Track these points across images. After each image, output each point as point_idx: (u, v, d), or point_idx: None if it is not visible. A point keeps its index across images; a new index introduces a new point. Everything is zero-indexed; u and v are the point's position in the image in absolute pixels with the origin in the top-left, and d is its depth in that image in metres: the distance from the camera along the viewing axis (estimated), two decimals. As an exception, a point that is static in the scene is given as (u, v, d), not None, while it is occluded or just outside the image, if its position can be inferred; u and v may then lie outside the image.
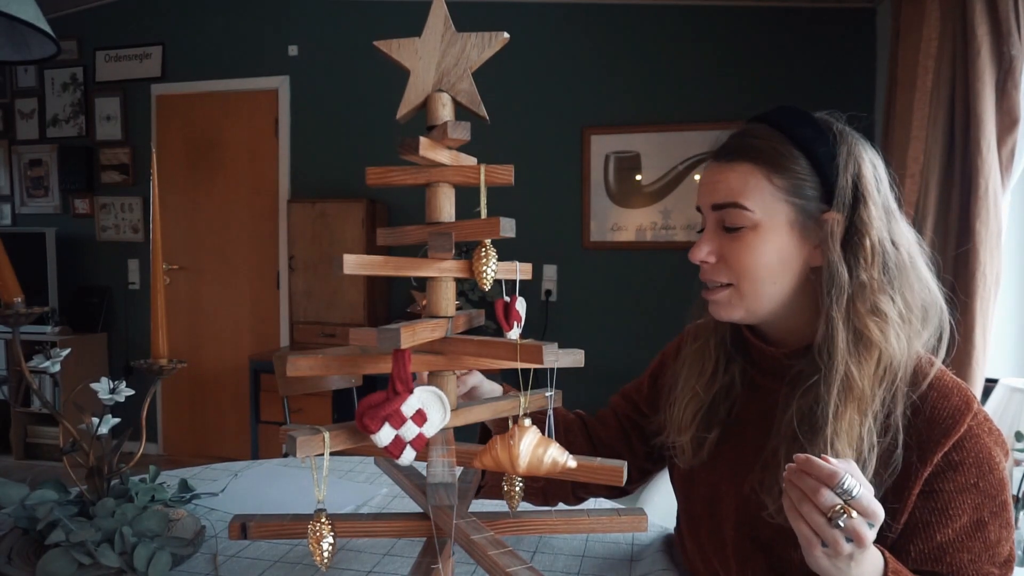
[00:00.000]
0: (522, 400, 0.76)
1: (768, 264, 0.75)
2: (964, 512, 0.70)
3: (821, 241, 0.74)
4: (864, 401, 0.70)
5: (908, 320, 0.73)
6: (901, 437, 0.70)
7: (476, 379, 0.93)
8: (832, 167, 0.74)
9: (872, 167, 0.76)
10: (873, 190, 0.74)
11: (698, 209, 0.82)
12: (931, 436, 0.70)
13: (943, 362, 0.76)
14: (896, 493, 0.71)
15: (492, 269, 0.73)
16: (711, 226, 0.79)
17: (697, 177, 3.23)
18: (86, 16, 4.04)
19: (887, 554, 0.66)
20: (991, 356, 1.89)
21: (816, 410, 0.72)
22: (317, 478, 0.70)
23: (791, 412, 0.74)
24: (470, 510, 0.81)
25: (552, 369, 0.69)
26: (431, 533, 0.72)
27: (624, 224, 3.36)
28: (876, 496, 0.66)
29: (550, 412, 0.77)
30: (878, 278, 0.72)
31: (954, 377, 0.74)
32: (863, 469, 0.69)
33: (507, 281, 0.78)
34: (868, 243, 0.72)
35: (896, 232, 0.75)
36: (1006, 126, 1.82)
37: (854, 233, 0.73)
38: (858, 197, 0.73)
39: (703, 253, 0.78)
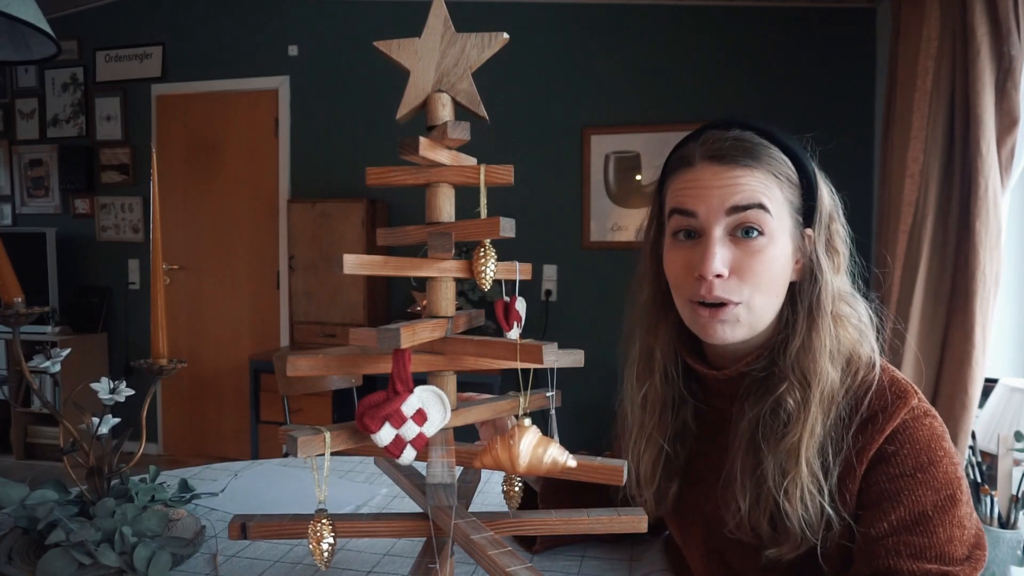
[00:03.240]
0: (522, 400, 0.77)
1: (777, 276, 0.72)
2: (901, 503, 0.66)
3: (802, 255, 0.75)
4: (833, 402, 0.70)
5: (871, 321, 0.75)
6: (852, 429, 0.70)
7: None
8: (816, 184, 0.74)
9: (827, 184, 0.77)
10: (837, 208, 0.76)
11: (682, 212, 0.74)
12: (865, 433, 0.69)
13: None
14: (840, 495, 0.70)
15: (492, 269, 0.73)
16: (719, 235, 0.71)
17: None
18: (86, 16, 4.04)
19: None
20: (991, 356, 1.89)
21: (780, 417, 0.70)
22: (318, 478, 0.70)
23: (746, 424, 0.73)
24: (470, 510, 0.81)
25: (552, 369, 0.69)
26: (431, 533, 0.72)
27: (624, 224, 3.36)
28: (828, 489, 0.67)
29: (551, 412, 0.77)
30: (846, 285, 0.75)
31: (895, 376, 0.72)
32: (825, 465, 0.69)
33: (507, 281, 0.78)
34: (840, 257, 0.75)
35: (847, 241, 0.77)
36: (1006, 126, 1.82)
37: (831, 250, 0.75)
38: (831, 216, 0.75)
39: (719, 264, 0.70)
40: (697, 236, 0.73)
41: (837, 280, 0.74)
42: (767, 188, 0.71)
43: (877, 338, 0.75)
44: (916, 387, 0.72)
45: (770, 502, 0.70)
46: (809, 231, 0.74)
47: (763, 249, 0.71)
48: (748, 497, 0.71)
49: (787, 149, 0.73)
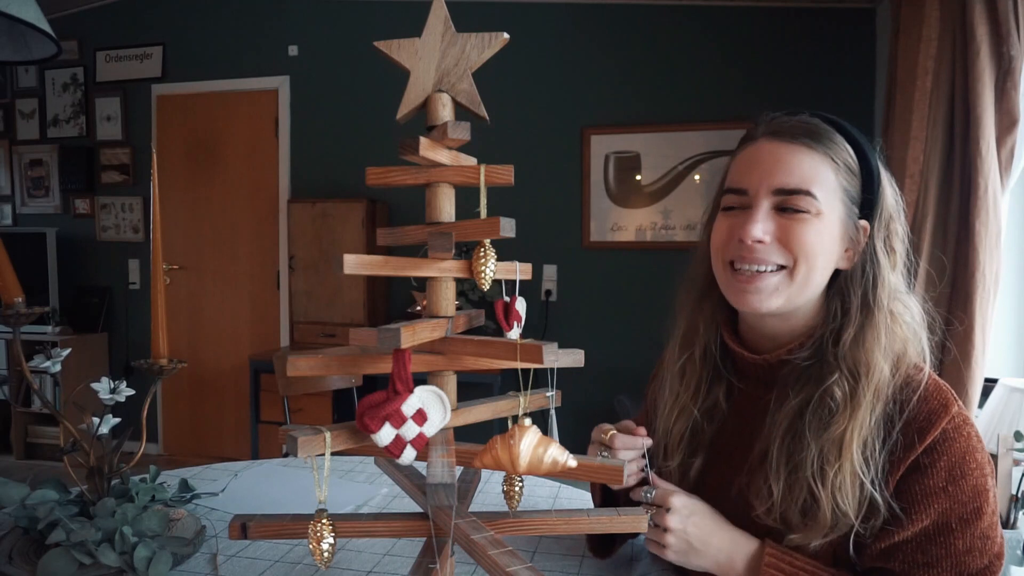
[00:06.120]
0: (522, 400, 0.77)
1: (820, 250, 0.74)
2: (928, 515, 0.68)
3: (853, 245, 0.76)
4: (881, 397, 0.71)
5: (923, 322, 0.76)
6: (898, 426, 0.71)
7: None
8: (879, 181, 0.76)
9: (893, 187, 0.79)
10: (899, 211, 0.78)
11: (735, 191, 0.77)
12: (906, 438, 0.70)
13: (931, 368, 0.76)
14: (886, 487, 0.71)
15: (491, 269, 0.73)
16: (765, 208, 0.74)
17: (697, 178, 3.23)
18: (86, 16, 4.04)
19: (768, 542, 0.70)
20: (991, 356, 1.89)
21: (827, 406, 0.72)
22: (318, 478, 0.70)
23: (787, 411, 0.74)
24: (470, 510, 0.81)
25: (552, 369, 0.69)
26: (431, 533, 0.72)
27: (624, 224, 3.36)
28: (875, 482, 0.69)
29: (551, 412, 0.77)
30: (901, 284, 0.76)
31: (938, 380, 0.74)
32: (867, 458, 0.70)
33: (507, 281, 0.78)
34: (897, 257, 0.76)
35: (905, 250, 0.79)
36: (1005, 126, 1.82)
37: (888, 245, 0.76)
38: (891, 216, 0.77)
39: (759, 231, 0.73)
40: (745, 209, 0.76)
41: (893, 277, 0.75)
42: (817, 172, 0.73)
43: (928, 339, 0.76)
44: (954, 393, 0.73)
45: (804, 490, 0.71)
46: (865, 223, 0.76)
47: (807, 221, 0.73)
48: (782, 483, 0.72)
49: (853, 140, 0.75)
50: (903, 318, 0.74)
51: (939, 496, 0.68)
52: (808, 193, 0.72)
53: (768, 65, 3.16)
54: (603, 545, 0.93)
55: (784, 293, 0.74)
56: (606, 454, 0.80)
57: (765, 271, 0.74)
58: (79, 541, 0.80)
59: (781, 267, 0.74)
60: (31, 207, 4.21)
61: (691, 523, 0.73)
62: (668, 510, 0.73)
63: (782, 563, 0.70)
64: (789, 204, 0.73)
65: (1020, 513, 1.58)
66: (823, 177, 0.73)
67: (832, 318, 0.75)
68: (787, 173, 0.73)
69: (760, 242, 0.73)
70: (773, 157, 0.74)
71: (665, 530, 0.73)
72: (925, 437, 0.69)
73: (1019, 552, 1.55)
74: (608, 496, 0.96)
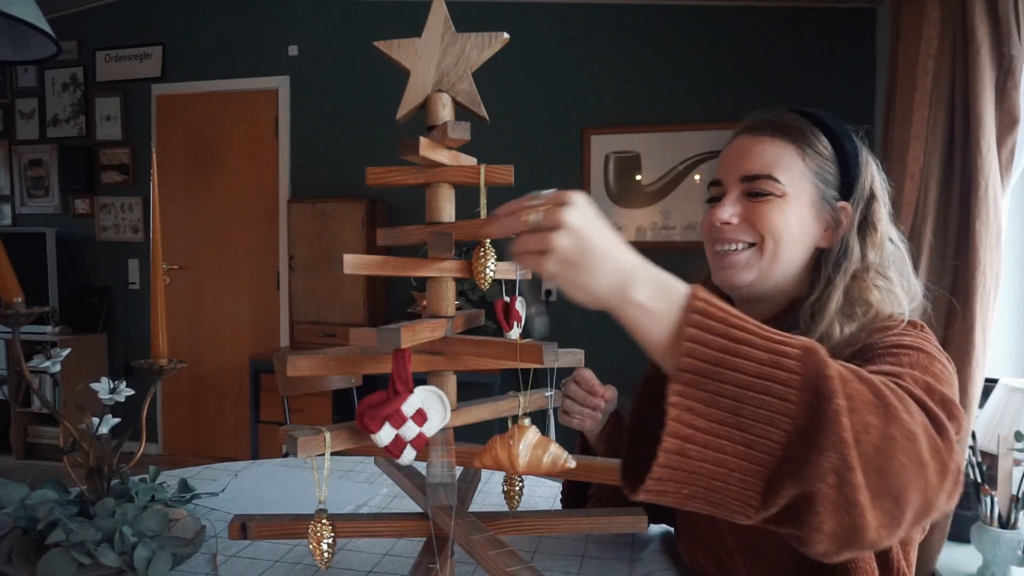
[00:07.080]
0: (522, 400, 0.77)
1: (790, 229, 0.79)
2: (883, 361, 0.66)
3: (834, 224, 0.80)
4: (838, 353, 0.72)
5: (906, 292, 0.79)
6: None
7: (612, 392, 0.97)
8: (856, 163, 0.81)
9: (880, 173, 0.83)
10: (882, 192, 0.82)
11: (714, 183, 0.84)
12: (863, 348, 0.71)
13: None
14: None
15: (491, 269, 0.73)
16: (735, 194, 0.81)
17: (698, 178, 3.23)
18: (86, 16, 4.04)
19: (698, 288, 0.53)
20: (991, 356, 1.89)
21: None
22: (318, 478, 0.70)
23: None
24: (470, 510, 0.81)
25: (552, 369, 0.69)
26: (431, 533, 0.72)
27: (624, 224, 3.36)
28: None
29: (550, 412, 0.77)
30: (880, 262, 0.80)
31: (914, 319, 0.77)
32: None
33: (507, 281, 0.78)
34: (878, 235, 0.80)
35: (893, 233, 0.82)
36: (1006, 126, 1.82)
37: (867, 225, 0.80)
38: (873, 195, 0.81)
39: (727, 214, 0.80)
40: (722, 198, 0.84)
41: (871, 254, 0.79)
42: (780, 158, 0.79)
43: (925, 308, 0.80)
44: (928, 329, 0.75)
45: None
46: (844, 204, 0.80)
47: (771, 202, 0.79)
48: None
49: (828, 130, 0.81)
50: (874, 282, 0.77)
51: (889, 351, 0.67)
52: (770, 177, 0.78)
53: (768, 65, 3.16)
54: (574, 499, 1.05)
55: (756, 266, 0.80)
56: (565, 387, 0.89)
57: (736, 249, 0.81)
58: (79, 541, 0.80)
59: (751, 244, 0.80)
60: (31, 207, 4.21)
61: (595, 226, 0.54)
62: (565, 204, 0.54)
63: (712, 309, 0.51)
64: (755, 188, 0.80)
65: (1020, 513, 1.58)
66: (787, 162, 0.79)
67: (810, 290, 0.80)
68: (751, 161, 0.80)
69: (727, 223, 0.80)
70: (741, 149, 0.82)
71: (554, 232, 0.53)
72: (874, 332, 0.72)
73: (1019, 552, 1.55)
74: (575, 490, 1.04)
